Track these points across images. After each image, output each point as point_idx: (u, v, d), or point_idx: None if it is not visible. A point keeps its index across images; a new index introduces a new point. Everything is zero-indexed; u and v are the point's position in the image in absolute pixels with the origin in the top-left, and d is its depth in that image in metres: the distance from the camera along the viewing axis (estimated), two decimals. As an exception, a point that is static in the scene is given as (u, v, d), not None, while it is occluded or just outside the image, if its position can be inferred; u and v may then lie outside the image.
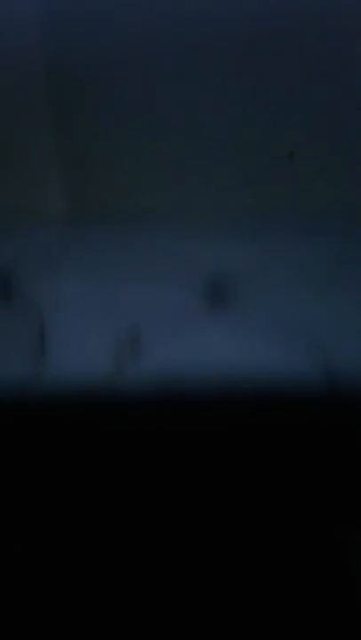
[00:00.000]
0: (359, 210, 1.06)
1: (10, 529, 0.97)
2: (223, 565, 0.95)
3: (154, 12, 1.01)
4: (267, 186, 1.07)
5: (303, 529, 0.96)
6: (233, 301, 1.01)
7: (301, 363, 0.96)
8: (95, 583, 0.95)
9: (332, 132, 1.05)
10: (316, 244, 1.05)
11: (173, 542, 0.95)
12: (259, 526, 0.96)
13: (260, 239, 1.05)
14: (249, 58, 1.03)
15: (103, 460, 0.96)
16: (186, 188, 1.07)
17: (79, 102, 1.05)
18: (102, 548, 0.96)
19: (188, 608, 0.94)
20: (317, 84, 1.03)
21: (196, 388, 0.95)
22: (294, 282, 1.02)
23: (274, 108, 1.04)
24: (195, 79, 1.03)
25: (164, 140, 1.06)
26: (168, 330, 0.99)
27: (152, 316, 0.99)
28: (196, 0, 1.01)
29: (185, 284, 1.01)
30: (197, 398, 0.95)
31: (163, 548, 0.95)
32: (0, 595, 0.95)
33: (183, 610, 0.94)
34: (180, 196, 1.07)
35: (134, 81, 1.04)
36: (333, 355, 0.97)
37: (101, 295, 1.01)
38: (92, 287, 1.02)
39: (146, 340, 0.98)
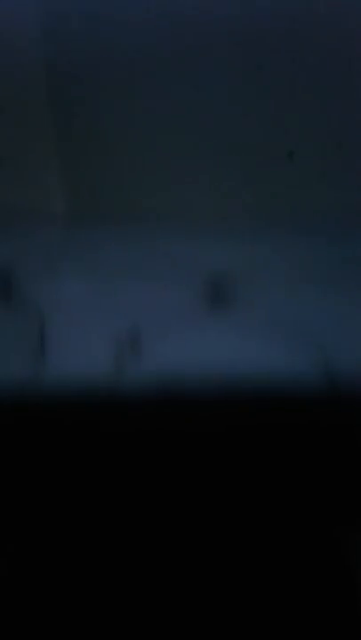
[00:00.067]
0: (359, 210, 1.06)
1: (10, 529, 0.97)
2: (223, 565, 0.95)
3: (154, 12, 1.01)
4: (267, 186, 1.07)
5: (303, 529, 0.96)
6: (233, 301, 1.01)
7: (301, 363, 0.96)
8: (95, 583, 0.95)
9: (332, 132, 1.05)
10: (316, 244, 1.05)
11: (174, 542, 0.95)
12: (259, 526, 0.96)
13: (260, 239, 1.05)
14: (249, 58, 1.03)
15: (103, 460, 0.96)
16: (186, 188, 1.08)
17: (79, 102, 1.05)
18: (102, 548, 0.96)
19: (189, 607, 0.94)
20: (317, 84, 1.03)
21: (196, 387, 0.95)
22: (294, 282, 1.02)
23: (274, 108, 1.04)
24: (195, 79, 1.04)
25: (164, 140, 1.06)
26: (168, 330, 0.99)
27: (152, 316, 0.99)
28: (196, 0, 1.01)
29: (185, 283, 1.01)
30: (197, 398, 0.95)
31: (163, 547, 0.95)
32: None
33: (183, 609, 0.94)
34: (179, 195, 1.07)
35: (134, 81, 1.04)
36: (333, 355, 0.97)
37: (101, 295, 1.01)
38: (92, 287, 1.02)
39: (146, 339, 0.98)
